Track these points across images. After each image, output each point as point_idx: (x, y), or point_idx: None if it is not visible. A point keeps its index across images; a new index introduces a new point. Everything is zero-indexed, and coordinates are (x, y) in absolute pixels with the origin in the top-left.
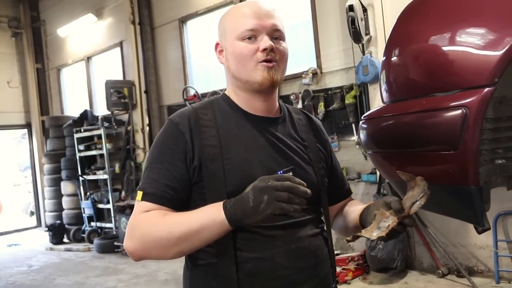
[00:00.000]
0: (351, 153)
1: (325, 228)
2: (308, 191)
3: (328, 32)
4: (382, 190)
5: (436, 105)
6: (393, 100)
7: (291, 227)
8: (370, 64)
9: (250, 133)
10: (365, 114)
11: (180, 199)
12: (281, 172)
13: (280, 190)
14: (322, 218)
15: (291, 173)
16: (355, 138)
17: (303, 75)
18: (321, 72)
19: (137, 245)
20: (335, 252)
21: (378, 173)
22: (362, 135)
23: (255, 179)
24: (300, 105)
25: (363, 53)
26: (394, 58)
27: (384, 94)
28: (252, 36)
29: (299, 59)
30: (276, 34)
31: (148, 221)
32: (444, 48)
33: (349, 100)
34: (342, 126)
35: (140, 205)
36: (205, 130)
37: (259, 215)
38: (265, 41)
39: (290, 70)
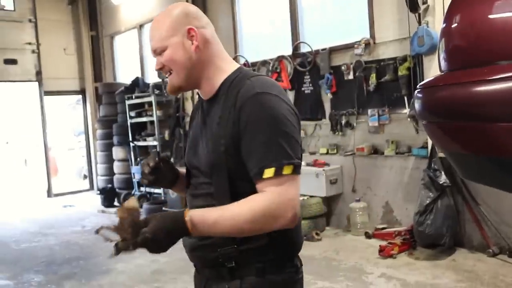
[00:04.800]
0: (402, 127)
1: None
2: (146, 170)
3: (382, 1)
4: (433, 165)
5: (498, 73)
6: (452, 69)
7: (190, 196)
8: (426, 34)
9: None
10: (421, 83)
11: None
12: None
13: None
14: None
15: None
16: (407, 111)
17: (355, 46)
18: (374, 43)
19: None
20: (382, 226)
21: (429, 147)
22: (417, 104)
23: (187, 159)
24: (351, 76)
25: (419, 23)
26: (455, 25)
27: (443, 62)
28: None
29: (351, 28)
30: (157, 52)
31: None
32: (510, 14)
33: (402, 71)
34: (394, 98)
35: None
36: (192, 118)
37: None
38: (155, 64)
39: (341, 40)
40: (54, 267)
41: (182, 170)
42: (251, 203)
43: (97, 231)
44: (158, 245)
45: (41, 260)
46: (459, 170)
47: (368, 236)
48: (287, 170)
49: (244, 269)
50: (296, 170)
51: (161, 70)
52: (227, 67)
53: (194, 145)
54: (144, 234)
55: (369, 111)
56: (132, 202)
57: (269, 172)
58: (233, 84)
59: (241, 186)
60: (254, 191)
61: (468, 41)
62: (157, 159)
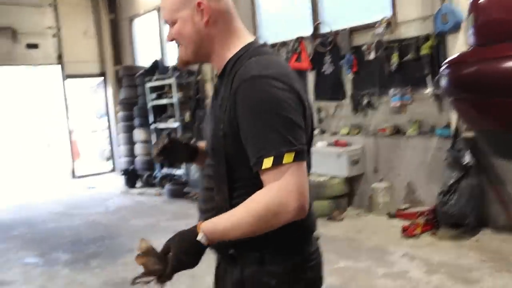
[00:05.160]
0: (424, 106)
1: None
2: (154, 151)
3: None
4: (457, 145)
5: None
6: (481, 43)
7: (201, 176)
8: (450, 12)
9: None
10: (448, 59)
11: None
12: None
13: None
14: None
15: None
16: (429, 90)
17: (376, 25)
18: (396, 22)
19: None
20: (404, 206)
21: (453, 127)
22: (444, 81)
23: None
24: (372, 56)
25: (443, 0)
26: None
27: (471, 37)
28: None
29: (372, 8)
30: (169, 22)
31: None
32: None
33: (424, 50)
34: (416, 78)
35: None
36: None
37: None
38: (167, 35)
39: (362, 19)
40: (81, 246)
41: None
42: (252, 204)
43: (133, 284)
44: (185, 266)
45: (67, 239)
46: (489, 148)
47: (390, 216)
48: (287, 158)
49: (243, 257)
50: (299, 157)
51: (172, 40)
52: (238, 42)
53: (206, 126)
54: (170, 264)
55: (391, 91)
56: (143, 243)
57: (267, 162)
58: (236, 63)
59: (239, 172)
60: (253, 177)
61: (499, 14)
62: (166, 140)
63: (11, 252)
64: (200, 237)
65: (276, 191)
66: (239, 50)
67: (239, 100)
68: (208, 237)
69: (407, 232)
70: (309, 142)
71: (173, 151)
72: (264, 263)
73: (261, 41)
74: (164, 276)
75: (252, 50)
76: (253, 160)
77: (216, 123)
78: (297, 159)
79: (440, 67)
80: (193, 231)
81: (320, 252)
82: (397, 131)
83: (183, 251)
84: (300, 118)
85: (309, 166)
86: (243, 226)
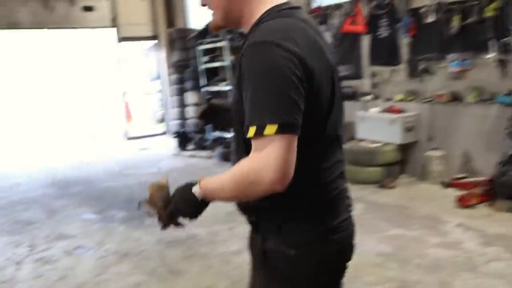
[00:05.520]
0: (485, 72)
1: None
2: (196, 115)
3: None
4: None
5: None
6: None
7: None
8: None
9: None
10: None
11: None
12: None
13: None
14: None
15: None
16: (492, 55)
17: None
18: None
19: None
20: (460, 176)
21: None
22: None
23: None
24: (431, 19)
25: None
26: None
27: None
28: None
29: None
30: None
31: None
32: None
33: (489, 13)
34: (478, 42)
35: None
36: None
37: None
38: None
39: None
40: (135, 204)
41: None
42: (235, 170)
43: (139, 207)
44: (184, 214)
45: (122, 198)
46: None
47: (444, 185)
48: (269, 130)
49: (264, 225)
50: (283, 130)
51: (204, 5)
52: (267, 5)
53: None
54: (170, 206)
55: (450, 56)
56: (163, 179)
57: (251, 131)
58: (256, 29)
59: None
60: None
61: None
62: (205, 106)
63: (70, 208)
64: (195, 189)
65: (256, 162)
66: (263, 14)
67: (242, 66)
68: (202, 192)
69: (462, 202)
70: (329, 109)
71: (214, 115)
72: (283, 234)
73: (315, 3)
74: (162, 216)
75: (272, 13)
76: (244, 127)
77: (233, 89)
78: (281, 131)
79: (506, 30)
80: (195, 183)
81: (352, 223)
82: (455, 98)
83: (182, 199)
84: (297, 89)
85: (337, 136)
86: (226, 190)
